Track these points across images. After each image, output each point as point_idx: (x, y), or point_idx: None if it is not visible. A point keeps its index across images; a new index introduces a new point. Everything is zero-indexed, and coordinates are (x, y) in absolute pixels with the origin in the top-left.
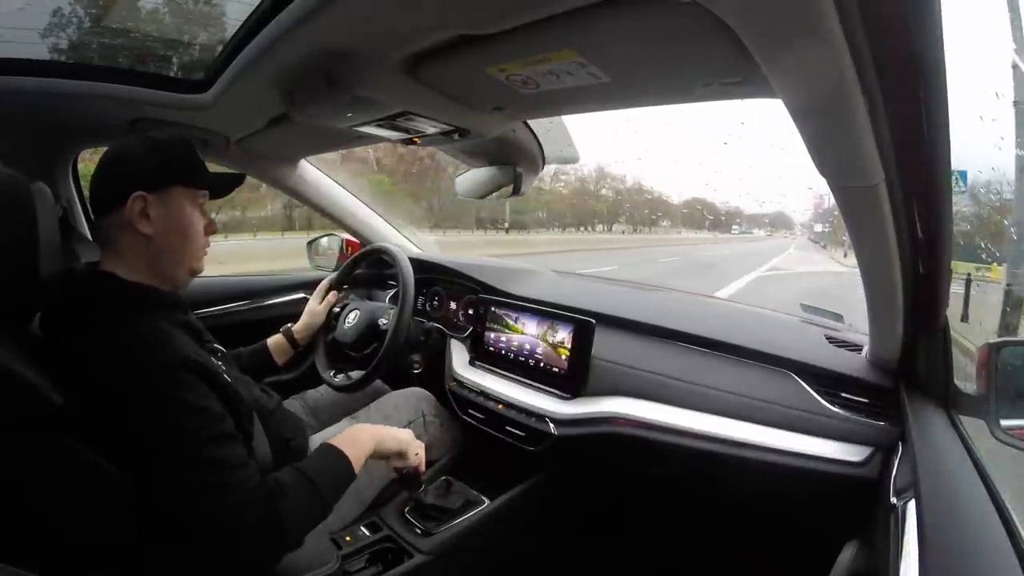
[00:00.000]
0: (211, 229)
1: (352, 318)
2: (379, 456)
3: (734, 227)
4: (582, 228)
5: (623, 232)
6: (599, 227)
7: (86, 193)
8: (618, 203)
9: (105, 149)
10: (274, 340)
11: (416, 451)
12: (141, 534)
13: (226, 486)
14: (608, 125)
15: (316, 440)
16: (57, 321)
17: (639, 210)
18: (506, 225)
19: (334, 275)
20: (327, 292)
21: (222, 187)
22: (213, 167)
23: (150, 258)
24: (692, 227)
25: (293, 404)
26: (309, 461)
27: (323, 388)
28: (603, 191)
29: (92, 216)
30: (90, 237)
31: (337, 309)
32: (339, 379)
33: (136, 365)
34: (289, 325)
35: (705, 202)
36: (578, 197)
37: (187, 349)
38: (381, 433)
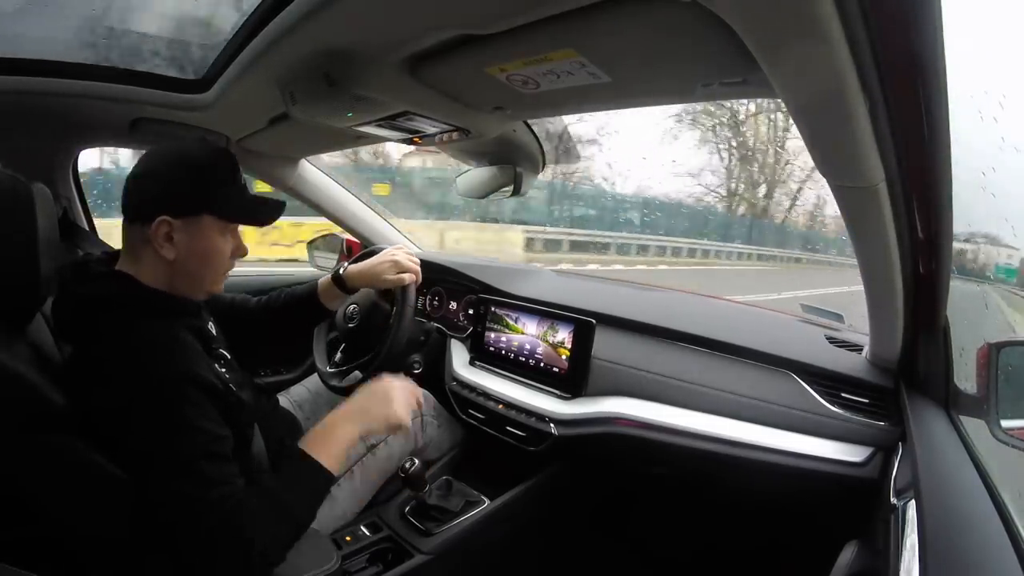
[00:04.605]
0: (239, 253)
1: (353, 318)
2: (370, 435)
3: None
4: None
5: None
6: None
7: (86, 192)
8: None
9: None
10: (323, 284)
11: (412, 410)
12: (134, 535)
13: (205, 503)
14: None
15: None
16: (71, 316)
17: None
18: None
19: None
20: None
21: (258, 219)
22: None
23: (167, 275)
24: None
25: (286, 401)
26: (280, 475)
27: (316, 383)
28: None
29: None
30: (89, 230)
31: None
32: (337, 380)
33: (146, 374)
34: (340, 267)
35: None
36: None
37: (198, 361)
38: (364, 418)
